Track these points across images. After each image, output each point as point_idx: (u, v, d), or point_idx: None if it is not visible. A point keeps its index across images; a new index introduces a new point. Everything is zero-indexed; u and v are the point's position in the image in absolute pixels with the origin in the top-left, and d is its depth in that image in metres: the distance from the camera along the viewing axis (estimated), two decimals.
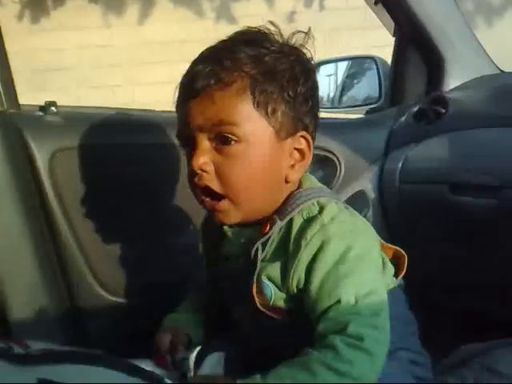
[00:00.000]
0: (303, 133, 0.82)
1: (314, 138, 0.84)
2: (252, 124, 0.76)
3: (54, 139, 1.12)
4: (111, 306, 1.17)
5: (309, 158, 0.83)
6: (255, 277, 0.81)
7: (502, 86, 1.44)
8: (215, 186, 0.78)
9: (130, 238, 1.21)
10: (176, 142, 1.24)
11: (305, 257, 0.77)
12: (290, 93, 0.78)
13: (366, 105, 1.75)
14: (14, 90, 1.14)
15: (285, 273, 0.79)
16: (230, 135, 0.76)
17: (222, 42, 0.81)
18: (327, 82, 2.13)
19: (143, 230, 1.22)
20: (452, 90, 1.57)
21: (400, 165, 1.41)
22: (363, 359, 0.70)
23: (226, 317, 0.95)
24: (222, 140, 0.77)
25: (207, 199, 0.80)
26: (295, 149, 0.82)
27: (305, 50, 0.84)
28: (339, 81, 2.11)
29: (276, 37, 0.82)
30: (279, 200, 0.82)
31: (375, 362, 0.72)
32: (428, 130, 1.45)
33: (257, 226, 0.83)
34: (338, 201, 0.83)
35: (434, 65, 1.61)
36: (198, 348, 0.83)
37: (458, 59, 1.59)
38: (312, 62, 0.84)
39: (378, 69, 1.77)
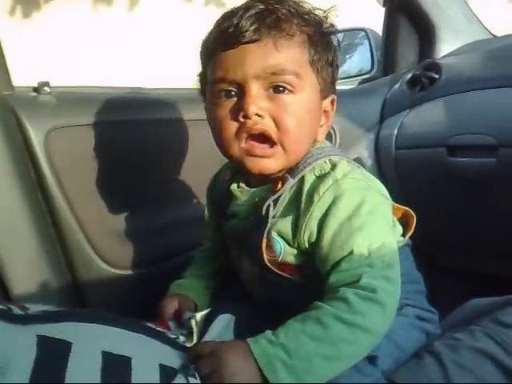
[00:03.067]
0: (333, 96, 0.84)
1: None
2: (307, 78, 0.77)
3: (48, 118, 1.09)
4: (112, 279, 1.15)
5: (331, 121, 0.85)
6: (265, 233, 0.79)
7: (495, 50, 1.41)
8: (272, 130, 0.75)
9: (129, 211, 1.18)
10: (170, 117, 1.24)
11: (317, 211, 0.75)
12: (330, 58, 0.80)
13: (360, 75, 1.71)
14: (7, 72, 1.11)
15: (296, 227, 0.77)
16: (287, 85, 0.75)
17: None
18: None
19: (142, 204, 1.20)
20: (444, 57, 1.54)
21: (395, 131, 1.39)
22: (375, 311, 0.69)
23: (234, 278, 0.93)
24: (277, 88, 0.75)
25: (257, 144, 0.76)
26: (324, 111, 0.83)
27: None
28: None
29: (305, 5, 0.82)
30: (300, 158, 0.81)
31: (387, 313, 0.71)
32: (422, 96, 1.42)
33: (267, 186, 0.82)
34: (349, 159, 0.83)
35: (426, 33, 1.58)
36: (207, 310, 0.80)
37: (450, 26, 1.55)
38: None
39: (369, 40, 1.74)
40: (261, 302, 0.89)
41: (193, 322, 0.77)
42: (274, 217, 0.79)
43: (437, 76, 1.42)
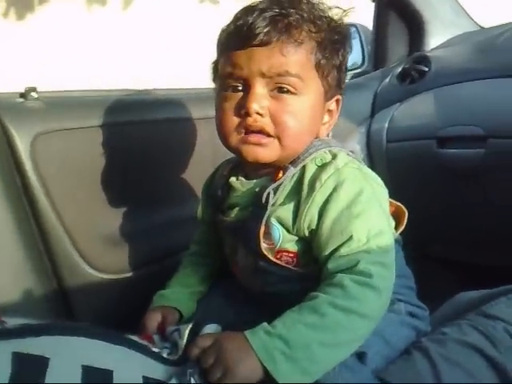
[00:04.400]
0: (339, 96, 0.86)
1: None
2: (311, 81, 0.79)
3: (35, 123, 1.06)
4: (100, 285, 1.12)
5: (335, 119, 0.87)
6: (264, 219, 0.80)
7: (483, 41, 1.40)
8: (270, 128, 0.78)
9: (116, 215, 1.16)
10: (159, 118, 1.21)
11: (319, 198, 0.77)
12: (337, 61, 0.82)
13: (351, 70, 1.71)
14: None
15: (296, 214, 0.78)
16: (290, 86, 0.78)
17: None
18: None
19: (129, 208, 1.17)
20: (434, 49, 1.54)
21: (386, 124, 1.39)
22: (371, 296, 0.70)
23: (226, 271, 0.93)
24: (281, 89, 0.78)
25: (253, 135, 0.79)
26: (328, 110, 0.85)
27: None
28: None
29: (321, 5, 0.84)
30: (300, 152, 0.82)
31: (382, 299, 0.72)
32: (412, 89, 1.42)
33: (266, 177, 0.83)
34: (348, 151, 0.84)
35: (415, 26, 1.58)
36: (191, 324, 0.78)
37: (438, 19, 1.55)
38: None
39: (359, 35, 1.74)
40: (252, 294, 0.89)
41: (176, 336, 0.76)
42: (273, 205, 0.80)
43: (426, 69, 1.42)
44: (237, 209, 0.87)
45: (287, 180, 0.80)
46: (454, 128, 1.24)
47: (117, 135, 1.15)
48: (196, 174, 1.24)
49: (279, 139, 0.79)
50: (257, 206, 0.81)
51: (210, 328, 0.77)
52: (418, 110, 1.38)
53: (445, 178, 1.24)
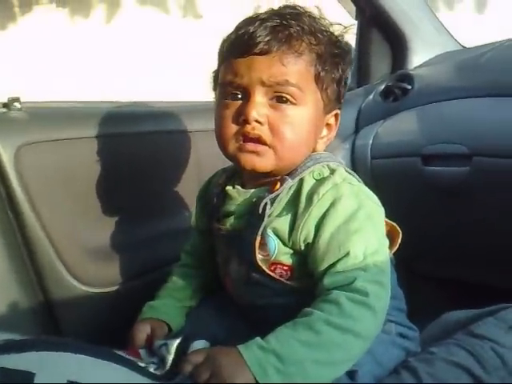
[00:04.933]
0: (338, 111, 0.87)
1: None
2: (310, 92, 0.80)
3: (18, 134, 1.04)
4: (86, 298, 1.10)
5: (334, 134, 0.87)
6: (260, 230, 0.79)
7: (465, 60, 1.42)
8: (267, 137, 0.78)
9: (102, 227, 1.14)
10: (145, 129, 1.21)
11: (316, 212, 0.76)
12: (337, 76, 0.83)
13: None
14: None
15: (293, 227, 0.78)
16: (290, 96, 0.78)
17: (284, 7, 0.83)
18: None
19: (115, 219, 1.16)
20: (416, 68, 1.55)
21: (371, 141, 1.39)
22: (366, 315, 0.70)
23: (218, 283, 0.92)
24: (280, 98, 0.78)
25: (250, 143, 0.79)
26: (326, 124, 0.86)
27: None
28: None
29: (322, 20, 0.84)
30: (297, 164, 0.82)
31: (377, 318, 0.71)
32: (396, 107, 1.42)
33: (264, 188, 0.82)
34: (346, 168, 0.85)
35: (398, 44, 1.59)
36: (179, 339, 0.77)
37: (421, 38, 1.56)
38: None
39: None
40: (242, 308, 0.87)
41: (164, 351, 0.74)
42: (270, 215, 0.79)
43: (409, 87, 1.43)
44: (232, 217, 0.86)
45: (284, 191, 0.80)
46: (438, 146, 1.24)
47: (102, 147, 1.14)
48: (184, 187, 1.23)
49: (275, 149, 0.78)
50: (253, 216, 0.80)
51: (199, 344, 0.76)
52: (402, 127, 1.39)
53: (430, 196, 1.24)
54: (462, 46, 1.60)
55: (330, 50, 0.82)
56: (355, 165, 1.41)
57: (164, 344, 0.77)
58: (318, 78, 0.80)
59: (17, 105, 1.08)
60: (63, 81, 3.96)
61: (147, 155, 1.21)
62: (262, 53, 0.77)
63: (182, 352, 0.75)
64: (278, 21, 0.78)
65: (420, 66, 1.55)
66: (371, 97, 1.53)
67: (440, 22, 1.61)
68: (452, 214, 1.21)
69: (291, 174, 0.81)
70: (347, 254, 0.73)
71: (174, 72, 3.78)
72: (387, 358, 0.79)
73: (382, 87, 1.50)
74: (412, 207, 1.27)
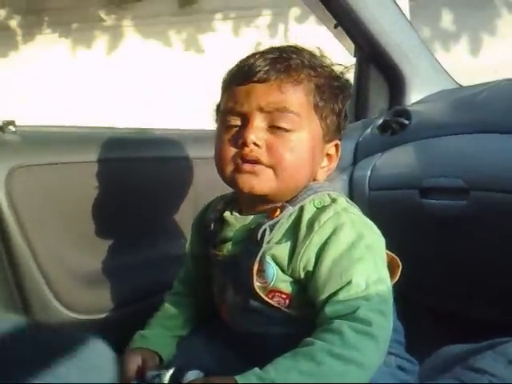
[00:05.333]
0: (337, 141, 0.87)
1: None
2: (309, 120, 0.81)
3: (11, 157, 1.04)
4: (74, 326, 1.07)
5: (335, 164, 0.88)
6: (258, 256, 0.78)
7: (462, 98, 1.45)
8: (265, 158, 0.79)
9: (92, 252, 1.13)
10: (138, 155, 1.21)
11: (317, 239, 0.76)
12: (337, 108, 0.85)
13: None
14: None
15: (293, 254, 0.78)
16: (288, 122, 0.79)
17: (286, 45, 0.86)
18: None
19: (106, 245, 1.15)
20: (414, 104, 1.59)
21: (369, 173, 1.40)
22: (370, 345, 0.69)
23: (211, 312, 0.91)
24: (279, 124, 0.79)
25: (247, 164, 0.80)
26: (327, 154, 0.87)
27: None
28: None
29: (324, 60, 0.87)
30: (297, 191, 0.83)
31: (380, 349, 0.70)
32: (393, 140, 1.45)
33: (263, 214, 0.82)
34: (347, 198, 0.85)
35: (395, 82, 1.62)
36: (172, 370, 0.77)
37: (418, 75, 1.60)
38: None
39: None
40: (237, 338, 0.86)
41: (157, 382, 0.74)
42: (269, 242, 0.79)
43: (407, 122, 1.46)
44: (229, 243, 0.85)
45: (284, 218, 0.79)
46: (436, 179, 1.25)
47: (94, 172, 1.13)
48: (180, 214, 1.23)
49: (274, 169, 0.79)
50: (251, 243, 0.80)
51: (193, 374, 0.75)
52: (400, 160, 1.40)
53: (427, 228, 1.24)
54: (459, 85, 1.64)
55: (329, 83, 0.84)
56: (353, 196, 1.42)
57: (157, 375, 0.76)
58: (316, 107, 0.82)
59: (11, 128, 1.09)
60: (63, 108, 3.99)
61: (140, 181, 1.21)
62: (261, 81, 0.79)
63: (175, 383, 0.74)
64: (278, 53, 0.82)
65: (417, 103, 1.58)
66: (369, 130, 1.55)
67: (436, 60, 1.65)
68: (449, 247, 1.22)
69: (291, 201, 0.81)
70: (349, 283, 0.72)
71: (175, 104, 3.82)
72: None
73: (380, 121, 1.53)
74: (409, 239, 1.27)
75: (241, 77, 0.81)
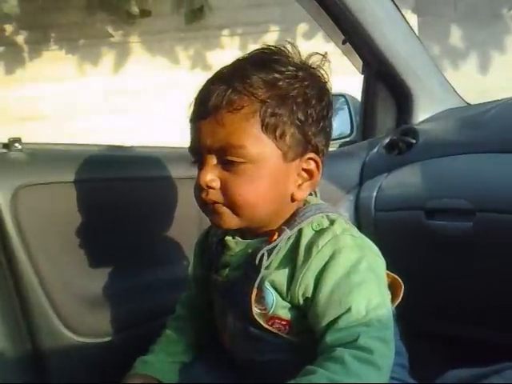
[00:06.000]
0: (312, 154, 0.80)
1: (324, 156, 0.83)
2: (259, 147, 0.76)
3: (17, 175, 1.04)
4: (78, 349, 1.06)
5: (317, 178, 0.82)
6: (257, 283, 0.77)
7: (469, 117, 1.45)
8: (221, 200, 0.78)
9: (98, 275, 1.12)
10: (146, 175, 1.22)
11: (315, 264, 0.75)
12: (301, 116, 0.77)
13: (340, 139, 1.75)
14: None
15: (291, 280, 0.76)
16: (236, 158, 0.76)
17: (239, 61, 0.81)
18: None
19: (112, 267, 1.14)
20: (421, 123, 1.58)
21: (375, 193, 1.40)
22: (372, 373, 0.68)
23: (213, 338, 0.90)
24: (229, 161, 0.77)
25: (209, 205, 0.80)
26: (303, 169, 0.81)
27: (321, 71, 0.83)
28: None
29: (295, 56, 0.81)
30: (284, 216, 0.81)
31: (382, 376, 0.70)
32: (400, 160, 1.44)
33: (263, 237, 0.81)
34: (346, 219, 0.83)
35: (403, 99, 1.62)
36: None
37: (426, 93, 1.60)
38: (328, 83, 0.83)
39: (348, 105, 1.79)
40: (239, 365, 0.85)
41: None
42: (267, 268, 0.78)
43: (414, 141, 1.45)
44: (230, 267, 0.84)
45: (282, 242, 0.78)
46: (441, 200, 1.25)
47: (101, 191, 1.13)
48: (181, 235, 1.23)
49: (231, 209, 0.78)
50: (249, 268, 0.79)
51: None
52: (406, 180, 1.40)
53: (433, 249, 1.24)
54: (467, 103, 1.64)
55: (286, 91, 0.76)
56: (359, 216, 1.42)
57: None
58: (266, 127, 0.75)
59: (17, 146, 1.08)
60: (70, 126, 4.03)
61: (147, 202, 1.20)
62: (204, 117, 0.77)
63: None
64: (222, 79, 0.77)
65: (424, 122, 1.58)
66: (375, 150, 1.55)
67: (445, 78, 1.65)
68: (454, 269, 1.21)
69: (289, 224, 0.80)
70: (349, 310, 0.71)
71: (182, 122, 3.84)
72: None
73: (387, 140, 1.53)
74: (415, 260, 1.27)
75: (192, 113, 0.81)
